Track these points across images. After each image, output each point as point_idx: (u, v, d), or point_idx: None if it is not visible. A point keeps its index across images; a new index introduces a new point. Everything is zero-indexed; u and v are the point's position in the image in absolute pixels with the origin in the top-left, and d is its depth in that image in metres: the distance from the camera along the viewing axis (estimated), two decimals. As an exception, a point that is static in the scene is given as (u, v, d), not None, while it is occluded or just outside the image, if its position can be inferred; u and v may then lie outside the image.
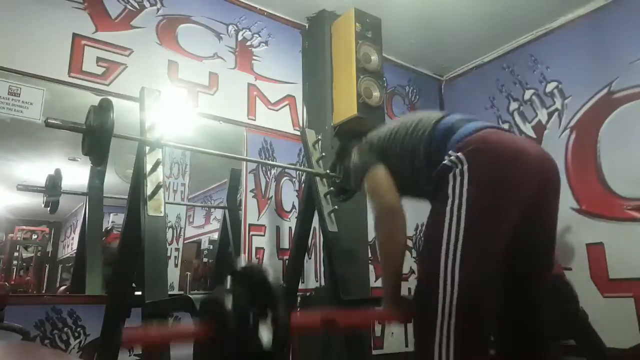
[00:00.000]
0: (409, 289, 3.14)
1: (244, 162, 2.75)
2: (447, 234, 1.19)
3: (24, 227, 2.61)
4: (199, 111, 2.63)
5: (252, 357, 0.91)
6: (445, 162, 1.26)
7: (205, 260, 3.01)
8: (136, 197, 1.70)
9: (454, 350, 1.13)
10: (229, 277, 1.01)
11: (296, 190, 2.91)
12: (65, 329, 2.01)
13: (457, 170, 1.23)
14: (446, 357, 1.13)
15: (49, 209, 2.44)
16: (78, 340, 2.03)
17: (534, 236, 1.32)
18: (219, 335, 0.94)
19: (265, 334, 0.92)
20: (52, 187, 2.38)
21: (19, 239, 2.58)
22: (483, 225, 1.20)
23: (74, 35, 2.29)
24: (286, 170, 2.88)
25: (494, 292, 1.20)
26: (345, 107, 2.80)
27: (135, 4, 2.53)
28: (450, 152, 1.27)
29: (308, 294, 2.74)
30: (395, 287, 1.42)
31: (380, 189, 1.46)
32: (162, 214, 1.62)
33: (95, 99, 1.76)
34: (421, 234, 3.21)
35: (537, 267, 1.36)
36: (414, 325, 1.30)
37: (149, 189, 1.63)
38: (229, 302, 0.94)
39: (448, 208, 1.21)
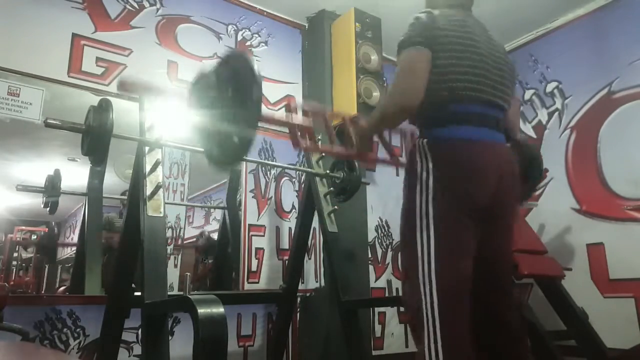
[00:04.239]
0: (396, 289, 3.14)
1: (244, 163, 2.74)
2: (420, 226, 1.29)
3: (24, 227, 2.60)
4: (199, 111, 2.62)
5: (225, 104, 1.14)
6: (416, 163, 1.35)
7: (204, 260, 3.00)
8: (136, 198, 1.69)
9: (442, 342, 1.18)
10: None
11: (296, 191, 2.90)
12: (65, 330, 2.01)
13: (425, 174, 1.32)
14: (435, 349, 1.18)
15: (48, 209, 2.43)
16: (77, 341, 2.03)
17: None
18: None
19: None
20: (52, 188, 2.38)
21: (18, 239, 2.57)
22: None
23: (74, 35, 2.29)
24: (286, 170, 2.87)
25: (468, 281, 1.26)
26: (345, 107, 2.79)
27: (135, 4, 2.53)
28: (425, 143, 1.34)
29: (308, 294, 2.74)
30: (379, 126, 1.53)
31: (408, 74, 1.35)
32: (161, 214, 1.62)
33: (95, 99, 1.76)
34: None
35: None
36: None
37: (148, 189, 1.63)
38: (213, 78, 1.18)
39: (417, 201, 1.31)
